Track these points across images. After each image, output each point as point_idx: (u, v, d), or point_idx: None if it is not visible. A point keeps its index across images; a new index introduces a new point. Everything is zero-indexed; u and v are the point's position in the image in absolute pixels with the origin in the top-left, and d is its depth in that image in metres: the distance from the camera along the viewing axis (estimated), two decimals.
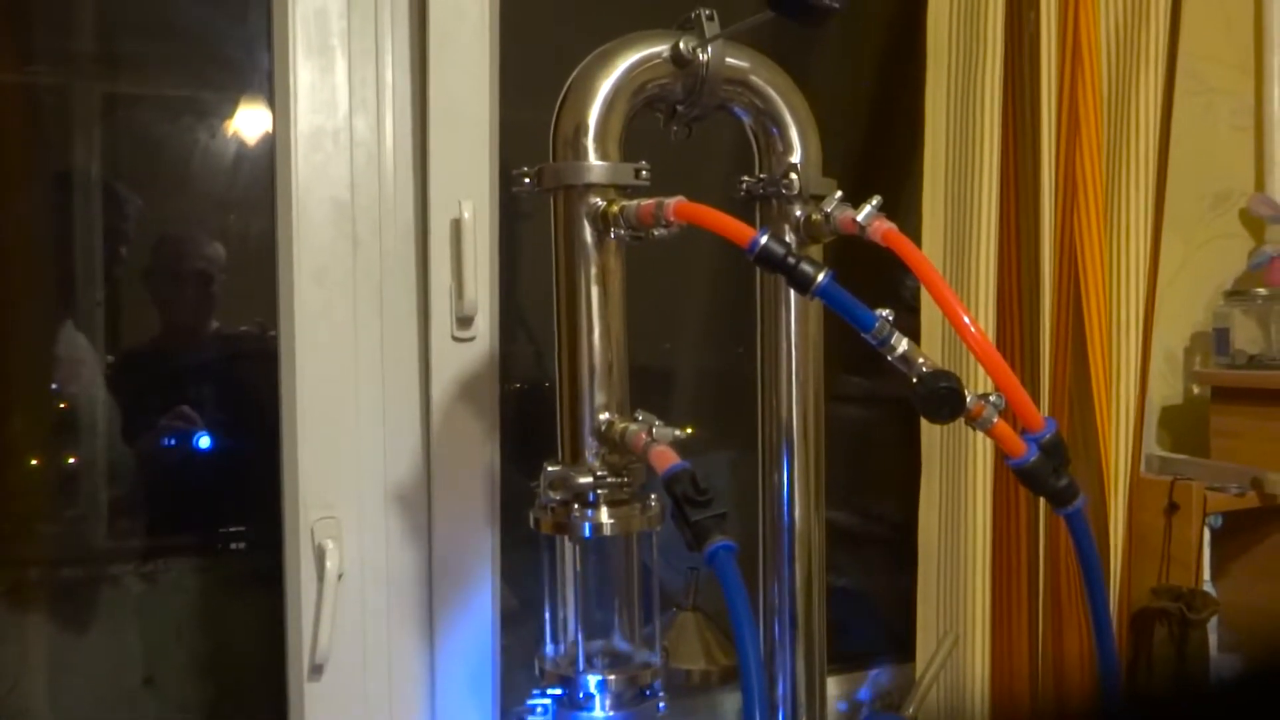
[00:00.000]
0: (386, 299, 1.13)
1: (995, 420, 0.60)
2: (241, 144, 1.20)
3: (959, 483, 1.02)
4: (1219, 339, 1.33)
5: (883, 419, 1.42)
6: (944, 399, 0.56)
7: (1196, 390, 1.41)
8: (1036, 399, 1.03)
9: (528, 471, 1.17)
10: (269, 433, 1.19)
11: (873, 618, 1.44)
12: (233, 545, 1.32)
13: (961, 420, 0.62)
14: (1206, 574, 1.09)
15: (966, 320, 0.62)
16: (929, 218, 1.09)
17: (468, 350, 1.13)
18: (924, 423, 1.08)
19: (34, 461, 1.23)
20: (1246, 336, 1.29)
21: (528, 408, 1.26)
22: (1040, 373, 1.04)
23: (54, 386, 1.22)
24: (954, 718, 0.98)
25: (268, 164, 1.16)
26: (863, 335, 0.59)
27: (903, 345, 0.59)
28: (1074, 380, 1.07)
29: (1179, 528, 1.05)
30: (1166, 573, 1.07)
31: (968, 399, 0.59)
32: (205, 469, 1.30)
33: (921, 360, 0.58)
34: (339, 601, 1.10)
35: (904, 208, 1.16)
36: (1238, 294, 1.33)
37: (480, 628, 1.16)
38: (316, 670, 1.11)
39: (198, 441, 1.31)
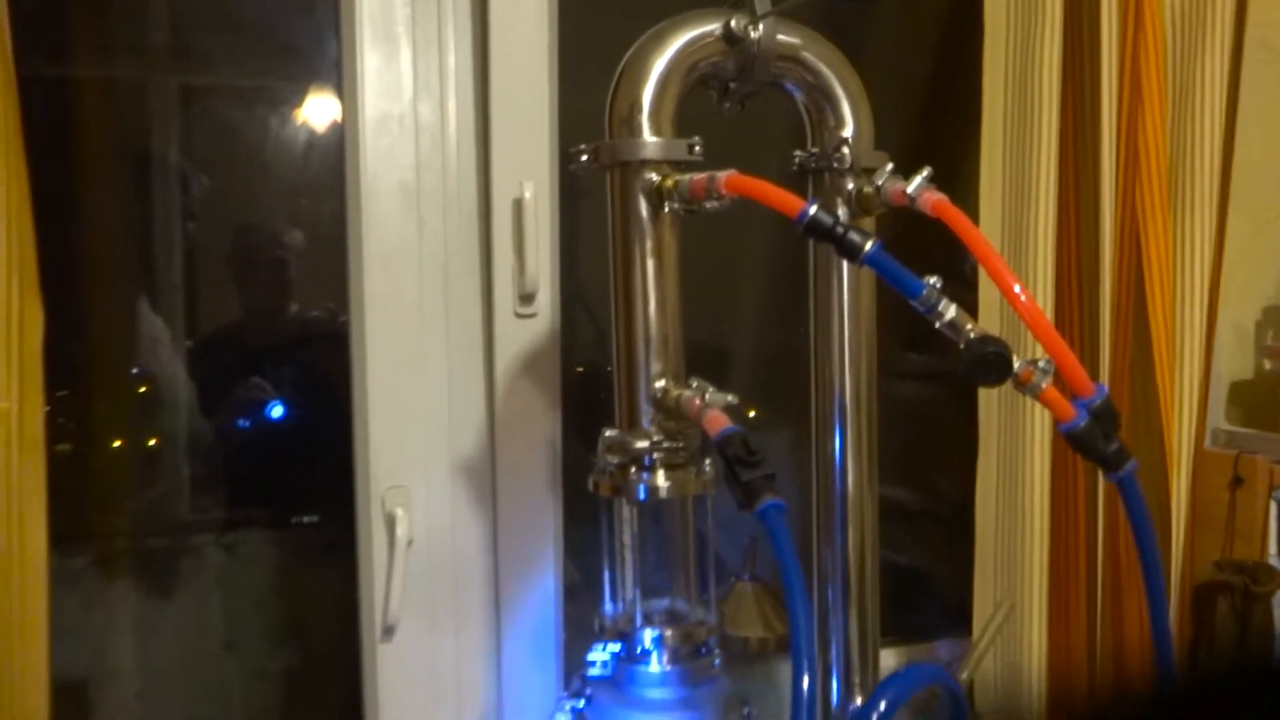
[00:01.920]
0: (451, 278, 1.17)
1: (1045, 385, 0.61)
2: (311, 131, 1.25)
3: (1016, 455, 1.03)
4: None
5: (943, 396, 1.42)
6: (991, 363, 0.57)
7: (1268, 365, 1.38)
8: (1096, 373, 1.03)
9: (588, 448, 1.20)
10: (339, 412, 1.24)
11: (933, 594, 1.45)
12: (305, 519, 1.38)
13: (1019, 394, 0.63)
14: (1273, 548, 1.07)
15: (1016, 289, 0.63)
16: (986, 192, 1.09)
17: (530, 326, 1.17)
18: (981, 397, 1.08)
19: (117, 441, 1.30)
20: None
21: (588, 386, 1.29)
22: (1100, 347, 1.04)
23: (134, 370, 1.29)
24: (1011, 685, 0.99)
25: (336, 150, 1.20)
26: (911, 302, 0.61)
27: (951, 312, 0.60)
28: (1135, 354, 1.06)
29: (1244, 502, 1.04)
30: (1231, 547, 1.06)
31: (1016, 364, 0.60)
32: (278, 447, 1.36)
33: (969, 326, 0.60)
34: (409, 567, 1.15)
35: (962, 183, 1.16)
36: None
37: (544, 592, 1.19)
38: (388, 632, 1.16)
39: (270, 413, 1.37)
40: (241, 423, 1.37)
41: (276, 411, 1.39)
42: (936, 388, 1.45)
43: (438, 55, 1.16)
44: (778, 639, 1.13)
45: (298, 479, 1.37)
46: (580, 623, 1.22)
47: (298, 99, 1.26)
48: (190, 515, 1.36)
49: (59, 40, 1.19)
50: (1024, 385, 0.61)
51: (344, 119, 1.16)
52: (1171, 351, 1.06)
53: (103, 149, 1.23)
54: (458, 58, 1.16)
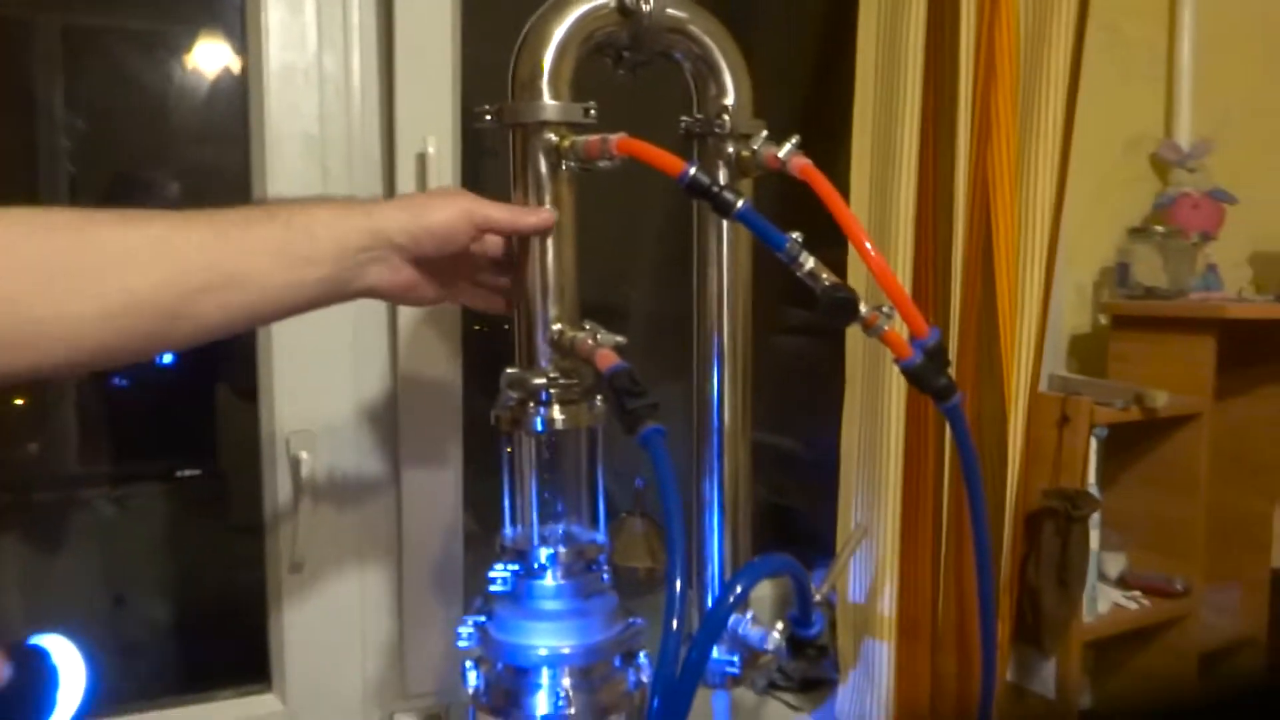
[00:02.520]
0: None
1: (887, 328, 0.72)
2: (201, 78, 1.26)
3: (876, 398, 1.14)
4: (1121, 272, 1.46)
5: (821, 348, 1.52)
6: (841, 305, 0.67)
7: (1104, 320, 1.54)
8: (947, 326, 1.15)
9: (483, 393, 1.27)
10: (213, 364, 1.28)
11: (811, 532, 1.57)
12: (188, 472, 1.40)
13: (872, 338, 0.73)
14: (1092, 478, 1.22)
15: (867, 245, 0.73)
16: (857, 158, 1.19)
17: None
18: (847, 344, 1.19)
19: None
20: (1146, 270, 1.42)
21: (485, 336, 1.35)
22: (951, 301, 1.16)
23: None
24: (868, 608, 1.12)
25: (227, 98, 1.23)
26: (776, 254, 0.70)
27: (810, 263, 0.69)
28: (983, 309, 1.18)
29: (1069, 438, 1.19)
30: (1056, 477, 1.20)
31: (864, 309, 0.70)
32: (157, 399, 1.37)
33: (825, 275, 0.69)
34: (314, 507, 1.21)
35: (836, 149, 1.26)
36: (1139, 231, 1.46)
37: (446, 529, 1.27)
38: (295, 569, 1.21)
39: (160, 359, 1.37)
40: (121, 377, 1.38)
41: (165, 358, 1.40)
42: (816, 341, 1.57)
43: (341, 8, 1.19)
44: (662, 568, 1.24)
45: (179, 431, 1.39)
46: (475, 567, 1.30)
47: (188, 45, 1.26)
48: (77, 469, 1.37)
49: None
50: (870, 327, 0.71)
51: (247, 69, 1.18)
52: (1014, 307, 1.18)
53: None
54: (362, 13, 1.20)
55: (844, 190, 1.18)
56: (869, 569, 1.15)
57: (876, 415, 1.14)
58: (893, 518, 1.12)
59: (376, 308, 1.22)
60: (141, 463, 1.37)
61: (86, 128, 1.24)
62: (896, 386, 1.13)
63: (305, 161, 1.18)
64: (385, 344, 1.24)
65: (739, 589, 0.68)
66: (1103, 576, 1.36)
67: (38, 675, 0.40)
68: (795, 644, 0.81)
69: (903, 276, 1.14)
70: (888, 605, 1.14)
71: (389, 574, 1.27)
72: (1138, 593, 1.33)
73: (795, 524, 1.72)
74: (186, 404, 1.38)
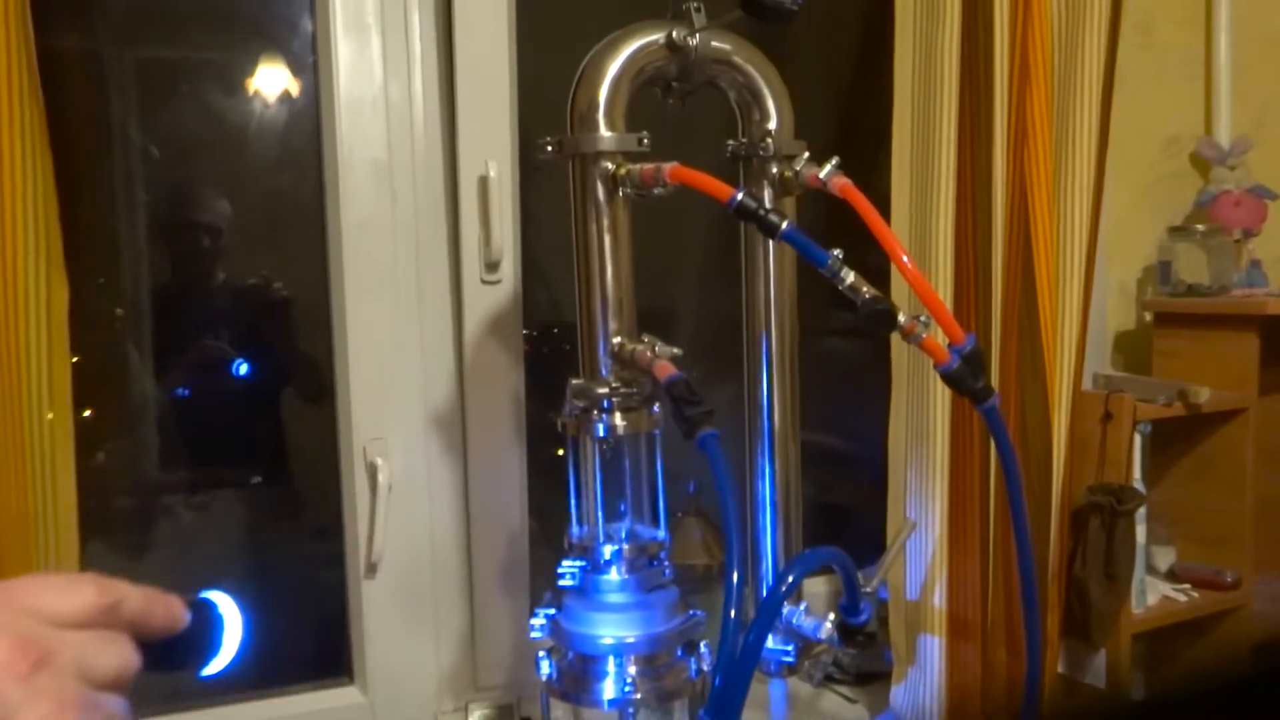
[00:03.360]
0: (421, 247, 1.29)
1: (925, 335, 0.77)
2: (278, 108, 1.34)
3: (922, 400, 1.19)
4: (1163, 270, 1.48)
5: (866, 352, 1.56)
6: (879, 316, 0.72)
7: (1148, 318, 1.56)
8: (989, 329, 1.19)
9: (544, 401, 1.33)
10: (278, 378, 1.36)
11: (861, 530, 1.62)
12: (253, 480, 1.48)
13: (911, 345, 0.78)
14: (1136, 473, 1.26)
15: (904, 258, 0.79)
16: (896, 175, 1.24)
17: (495, 291, 1.30)
18: (893, 347, 1.24)
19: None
20: (1187, 267, 1.45)
21: (542, 347, 1.42)
22: (993, 304, 1.20)
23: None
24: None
25: (305, 127, 1.31)
26: (819, 270, 0.75)
27: (850, 277, 0.75)
28: (1024, 311, 1.22)
29: (1112, 434, 1.22)
30: (1101, 473, 1.24)
31: (902, 318, 0.76)
32: (228, 412, 1.45)
33: (865, 289, 0.75)
34: (390, 510, 1.29)
35: (878, 171, 1.31)
36: (1179, 230, 1.48)
37: (511, 529, 1.34)
38: (372, 569, 1.30)
39: (237, 370, 1.46)
40: (185, 389, 1.46)
41: (243, 370, 1.49)
42: (863, 343, 1.61)
43: (405, 41, 1.27)
44: (719, 565, 1.30)
45: (253, 440, 1.47)
46: (540, 564, 1.37)
47: (259, 74, 1.34)
48: (159, 476, 1.46)
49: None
50: (909, 335, 0.76)
51: (320, 101, 1.27)
52: (1054, 309, 1.22)
53: (67, 122, 1.30)
54: (424, 45, 1.28)
55: (885, 204, 1.23)
56: (920, 565, 1.19)
57: (923, 415, 1.18)
58: (941, 514, 1.16)
59: (443, 321, 1.30)
60: (218, 470, 1.46)
61: (161, 156, 1.33)
62: (941, 387, 1.17)
63: (374, 186, 1.26)
64: (451, 355, 1.31)
65: (791, 579, 0.74)
66: (1152, 570, 1.39)
67: (208, 622, 0.48)
68: (844, 631, 0.87)
69: (944, 282, 1.18)
70: (938, 599, 1.18)
71: (459, 572, 1.35)
72: (1187, 585, 1.36)
73: (845, 521, 1.76)
74: (260, 414, 1.47)
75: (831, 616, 0.90)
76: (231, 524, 1.46)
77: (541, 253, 1.40)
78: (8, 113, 0.92)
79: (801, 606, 0.96)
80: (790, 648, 0.97)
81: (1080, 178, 1.25)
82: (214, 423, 1.48)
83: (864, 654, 1.30)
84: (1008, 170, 1.21)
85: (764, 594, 0.98)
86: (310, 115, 1.30)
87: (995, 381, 1.19)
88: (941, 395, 1.17)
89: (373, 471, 1.28)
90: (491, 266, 1.28)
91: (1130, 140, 1.57)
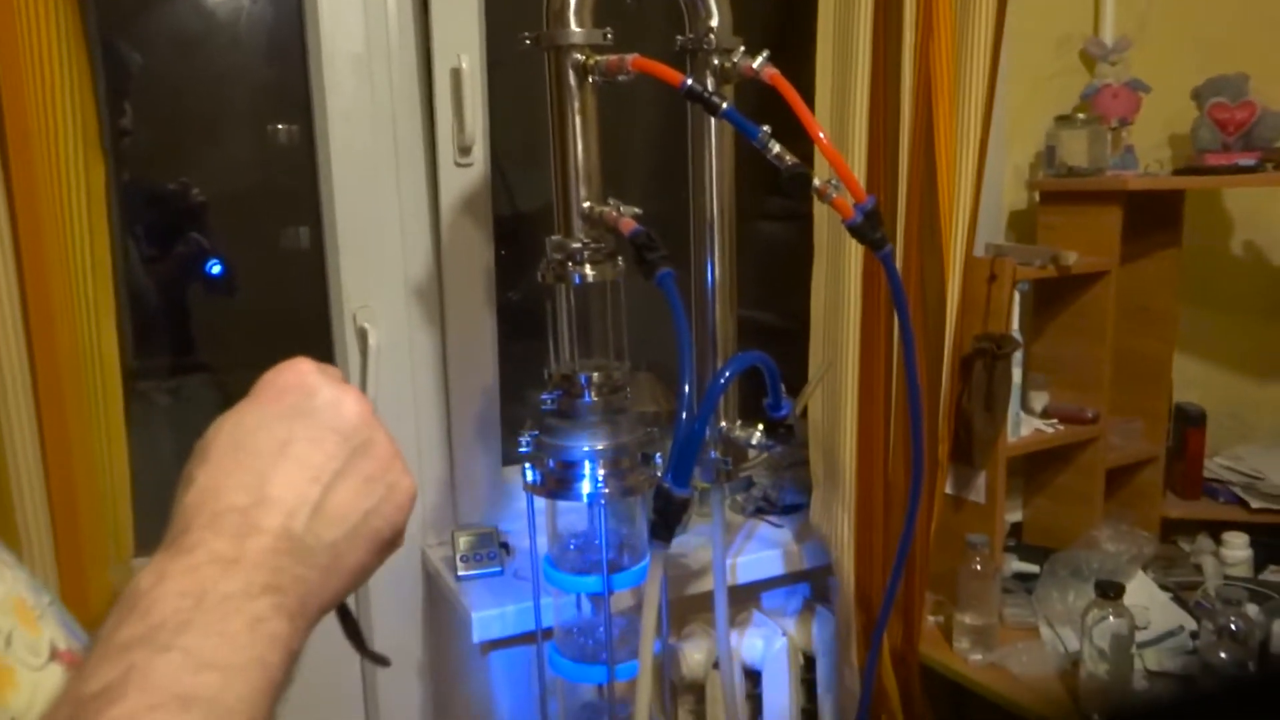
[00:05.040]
0: (399, 134, 1.45)
1: (834, 196, 0.97)
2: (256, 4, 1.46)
3: (838, 260, 1.40)
4: (1049, 155, 1.70)
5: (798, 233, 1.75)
6: (798, 178, 0.92)
7: (1037, 197, 1.79)
8: (895, 205, 1.40)
9: (512, 279, 1.51)
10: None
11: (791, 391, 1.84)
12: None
13: (840, 225, 0.98)
14: (1015, 325, 1.49)
15: (821, 134, 0.98)
16: (820, 66, 1.41)
17: (467, 174, 1.47)
18: (815, 221, 1.45)
19: None
20: (1069, 152, 1.67)
21: (508, 230, 1.59)
22: (899, 181, 1.40)
23: None
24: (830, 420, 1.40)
25: (291, 25, 1.44)
26: (751, 141, 0.94)
27: (776, 148, 0.94)
28: (925, 188, 1.43)
29: (996, 293, 1.45)
30: (986, 325, 1.47)
31: (816, 182, 0.96)
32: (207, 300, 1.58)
33: (788, 157, 0.94)
34: (379, 370, 1.47)
35: (805, 65, 1.48)
36: (1064, 118, 1.70)
37: (485, 385, 1.53)
38: None
39: (210, 269, 1.61)
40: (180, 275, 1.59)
41: (215, 268, 1.63)
42: (794, 227, 1.81)
43: None
44: (667, 411, 1.51)
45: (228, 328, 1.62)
46: (510, 417, 1.56)
47: None
48: (135, 362, 1.60)
49: None
50: (822, 195, 0.97)
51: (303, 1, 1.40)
52: (952, 186, 1.42)
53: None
54: None
55: (810, 93, 1.41)
56: (834, 401, 1.42)
57: (839, 274, 1.40)
58: (853, 356, 1.39)
59: (420, 202, 1.47)
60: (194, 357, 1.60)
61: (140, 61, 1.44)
62: (853, 249, 1.38)
63: (355, 78, 1.41)
64: (429, 232, 1.48)
65: (728, 373, 0.95)
66: (1029, 410, 1.65)
67: None
68: (768, 425, 1.08)
69: (859, 160, 1.38)
70: (849, 429, 1.42)
71: (440, 424, 1.54)
72: (1055, 421, 1.62)
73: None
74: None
75: (760, 427, 1.12)
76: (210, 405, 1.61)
77: (508, 139, 1.56)
78: (45, 10, 1.05)
79: (736, 423, 1.18)
80: (728, 458, 1.19)
81: (977, 72, 1.44)
82: (188, 308, 1.63)
83: (785, 450, 1.48)
84: (915, 65, 1.39)
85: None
86: (294, 13, 1.42)
87: (900, 250, 1.40)
88: (854, 258, 1.38)
89: (363, 335, 1.46)
90: (464, 150, 1.45)
91: (1028, 40, 1.77)
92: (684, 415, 0.86)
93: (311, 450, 0.42)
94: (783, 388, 1.03)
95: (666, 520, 0.88)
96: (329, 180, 1.42)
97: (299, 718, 1.53)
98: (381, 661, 0.54)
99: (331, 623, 0.46)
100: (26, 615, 0.41)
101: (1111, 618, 1.27)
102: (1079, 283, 1.60)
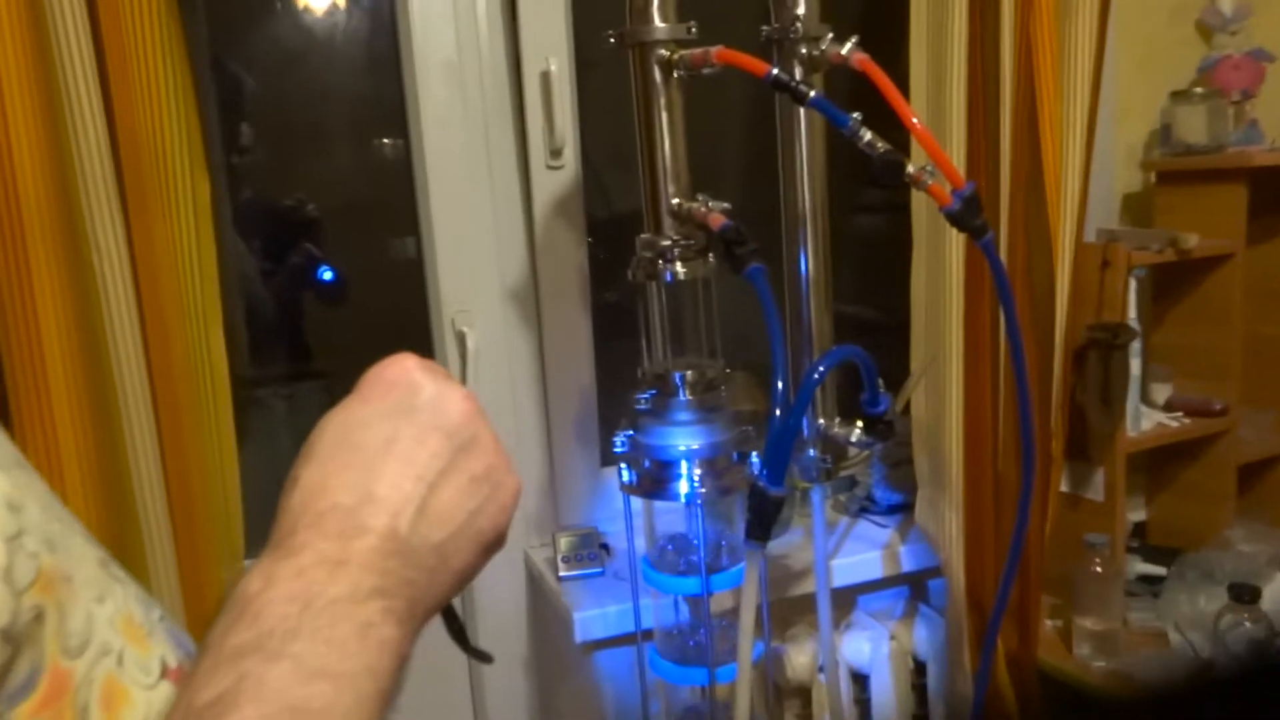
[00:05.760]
0: (491, 140, 1.46)
1: (930, 183, 0.93)
2: (359, 20, 1.50)
3: (939, 248, 1.35)
4: (1165, 133, 1.61)
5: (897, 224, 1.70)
6: (891, 166, 0.89)
7: (1152, 178, 1.70)
8: (996, 187, 1.34)
9: (604, 273, 1.51)
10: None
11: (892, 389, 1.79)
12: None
13: (940, 214, 0.94)
14: (1131, 313, 1.42)
15: (914, 119, 0.94)
16: (915, 50, 1.37)
17: (559, 176, 1.47)
18: (913, 210, 1.40)
19: None
20: (1186, 129, 1.57)
21: (602, 225, 1.60)
22: (1001, 166, 1.34)
23: None
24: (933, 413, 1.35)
25: (381, 38, 1.47)
26: (841, 130, 0.92)
27: (867, 135, 0.91)
28: (1030, 172, 1.36)
29: (1110, 280, 1.38)
30: (1100, 314, 1.40)
31: (911, 169, 0.92)
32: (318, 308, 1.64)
33: (880, 144, 0.91)
34: (478, 372, 1.49)
35: (897, 48, 1.43)
36: (1180, 94, 1.60)
37: (582, 387, 1.54)
38: None
39: (321, 275, 1.66)
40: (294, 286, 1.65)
41: (327, 275, 1.68)
42: (892, 219, 1.76)
43: None
44: (763, 410, 1.49)
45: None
46: (607, 417, 1.57)
47: None
48: (251, 370, 1.66)
49: None
50: (917, 182, 0.93)
51: (396, 11, 1.43)
52: (1058, 169, 1.36)
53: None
54: None
55: (903, 77, 1.37)
56: (939, 397, 1.37)
57: (941, 265, 1.35)
58: (957, 349, 1.34)
59: (514, 205, 1.48)
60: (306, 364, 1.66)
61: (254, 87, 1.49)
62: (955, 238, 1.33)
63: (447, 86, 1.43)
64: (523, 235, 1.50)
65: (822, 368, 0.92)
66: (1150, 403, 1.56)
67: None
68: (867, 422, 1.05)
69: (957, 144, 1.33)
70: (955, 426, 1.37)
71: (539, 426, 1.55)
72: (1180, 414, 1.53)
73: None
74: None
75: (860, 425, 1.09)
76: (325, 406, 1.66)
77: (601, 141, 1.56)
78: (153, 32, 1.09)
79: (835, 421, 1.15)
80: (828, 457, 1.16)
81: (1082, 46, 1.37)
82: (300, 319, 1.69)
83: (886, 446, 1.43)
84: (1015, 40, 1.33)
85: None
86: (388, 25, 1.46)
87: (1004, 237, 1.35)
88: (955, 245, 1.33)
89: (461, 339, 1.48)
90: (555, 153, 1.45)
91: (1137, 11, 1.68)
92: (778, 412, 0.84)
93: (416, 448, 0.42)
94: (880, 383, 1.00)
95: (762, 520, 0.86)
96: (425, 188, 1.45)
97: (406, 715, 1.56)
98: (485, 658, 0.53)
99: (437, 619, 0.46)
100: (136, 633, 0.42)
101: (1248, 623, 1.20)
102: (1201, 267, 1.51)
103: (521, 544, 1.57)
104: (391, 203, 1.56)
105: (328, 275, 1.67)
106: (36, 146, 1.01)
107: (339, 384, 1.63)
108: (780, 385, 0.90)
